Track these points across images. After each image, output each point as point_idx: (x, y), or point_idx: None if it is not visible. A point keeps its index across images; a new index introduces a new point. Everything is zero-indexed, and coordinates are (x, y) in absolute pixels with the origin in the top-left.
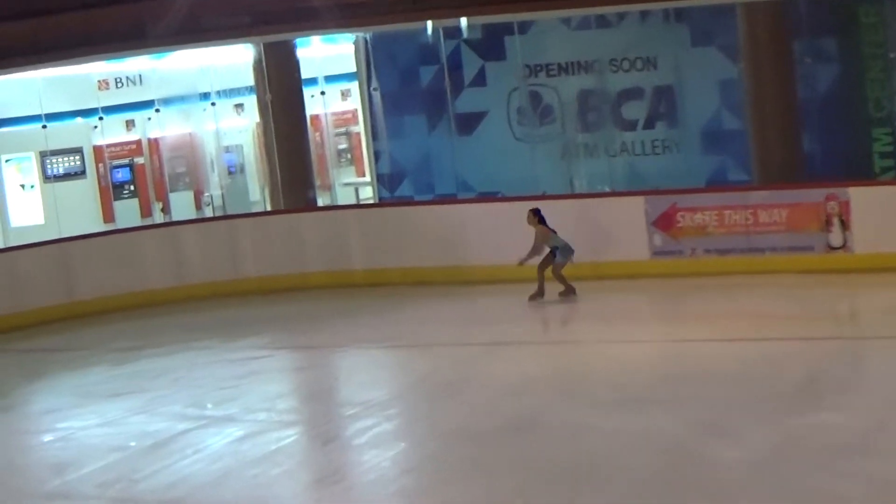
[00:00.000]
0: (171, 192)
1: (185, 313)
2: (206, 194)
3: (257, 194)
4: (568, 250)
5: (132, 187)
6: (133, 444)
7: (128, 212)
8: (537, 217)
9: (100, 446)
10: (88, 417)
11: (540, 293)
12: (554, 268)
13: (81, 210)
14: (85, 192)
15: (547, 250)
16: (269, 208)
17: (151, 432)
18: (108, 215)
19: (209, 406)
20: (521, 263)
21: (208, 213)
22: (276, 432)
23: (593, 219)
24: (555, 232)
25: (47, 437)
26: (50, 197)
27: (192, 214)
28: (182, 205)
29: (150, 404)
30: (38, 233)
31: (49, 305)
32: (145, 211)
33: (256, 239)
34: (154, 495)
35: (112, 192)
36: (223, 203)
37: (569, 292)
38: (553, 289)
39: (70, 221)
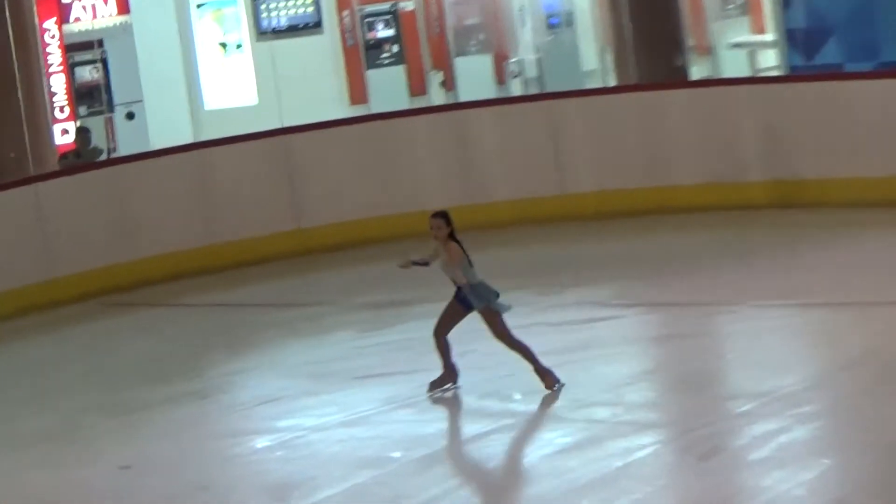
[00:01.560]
0: (458, 56)
1: (480, 249)
2: (513, 60)
3: (593, 61)
4: (493, 295)
5: (395, 48)
6: (396, 454)
7: (389, 87)
8: (450, 227)
9: (343, 457)
10: (325, 411)
11: (449, 376)
12: (499, 330)
13: (315, 84)
14: (321, 56)
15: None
16: (612, 83)
17: (424, 437)
18: (358, 92)
19: (517, 397)
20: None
21: (516, 88)
22: (625, 439)
23: None
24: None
25: (262, 442)
26: (266, 63)
27: (491, 92)
28: (474, 77)
29: (421, 393)
30: (247, 119)
31: (266, 235)
32: (416, 86)
33: (593, 131)
34: None
35: (364, 56)
36: (539, 74)
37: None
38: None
39: (297, 102)
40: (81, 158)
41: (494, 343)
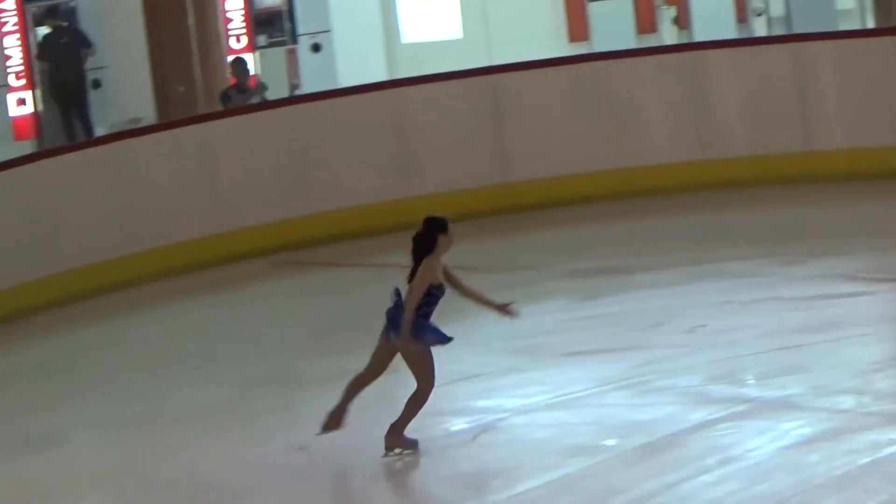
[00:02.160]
0: None
1: (707, 211)
2: None
3: None
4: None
5: None
6: (610, 442)
7: (613, 23)
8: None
9: (550, 444)
10: (531, 391)
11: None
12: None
13: (529, 16)
14: None
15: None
16: (870, 24)
17: (643, 423)
18: (578, 28)
19: (749, 380)
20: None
21: (759, 28)
22: (873, 433)
23: None
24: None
25: (457, 425)
26: None
27: (730, 32)
28: (712, 13)
29: (641, 372)
30: (449, 55)
31: (467, 189)
32: (645, 22)
33: (846, 79)
34: None
35: None
36: (786, 12)
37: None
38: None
39: (508, 37)
40: (243, 95)
41: (731, 317)
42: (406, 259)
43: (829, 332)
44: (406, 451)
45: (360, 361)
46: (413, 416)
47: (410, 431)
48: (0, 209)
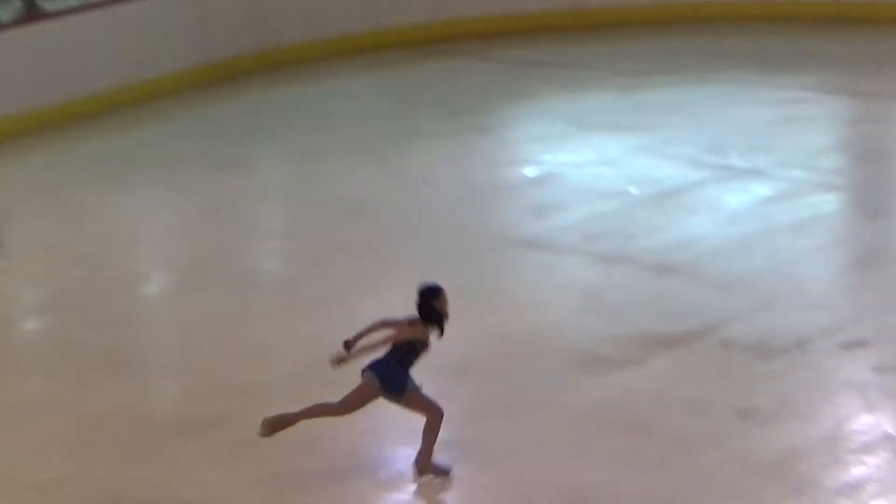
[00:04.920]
0: None
1: (714, 35)
2: None
3: None
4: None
5: None
6: (633, 190)
7: None
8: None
9: (592, 189)
10: (582, 152)
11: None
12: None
13: None
14: None
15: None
16: None
17: (657, 179)
18: None
19: (732, 154)
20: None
21: None
22: (814, 195)
23: None
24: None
25: (530, 171)
26: None
27: None
28: None
29: (658, 144)
30: None
31: (549, 10)
32: None
33: None
34: (652, 256)
35: None
36: None
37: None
38: None
39: None
40: None
41: (720, 110)
42: (531, 55)
43: (789, 124)
44: (439, 476)
45: (468, 123)
46: (433, 442)
47: None
48: None
